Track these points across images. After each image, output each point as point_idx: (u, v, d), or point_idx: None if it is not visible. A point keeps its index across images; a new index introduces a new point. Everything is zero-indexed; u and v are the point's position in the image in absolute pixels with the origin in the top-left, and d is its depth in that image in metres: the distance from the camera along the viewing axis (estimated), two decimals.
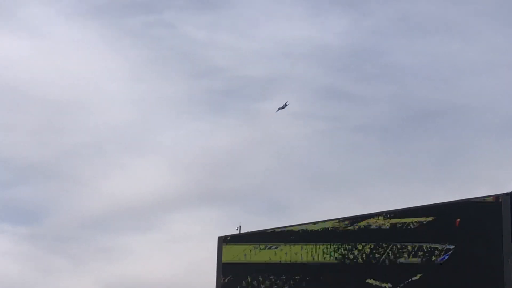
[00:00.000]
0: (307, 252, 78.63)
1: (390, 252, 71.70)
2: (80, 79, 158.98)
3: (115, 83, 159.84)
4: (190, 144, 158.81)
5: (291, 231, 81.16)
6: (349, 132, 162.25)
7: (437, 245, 67.23)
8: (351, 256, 74.40)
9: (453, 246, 65.79)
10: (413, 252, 69.36)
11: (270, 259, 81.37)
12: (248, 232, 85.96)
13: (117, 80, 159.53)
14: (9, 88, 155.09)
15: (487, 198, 63.46)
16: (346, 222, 75.71)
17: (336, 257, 75.22)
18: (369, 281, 71.74)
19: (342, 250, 75.00)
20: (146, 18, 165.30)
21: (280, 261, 79.75)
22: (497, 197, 62.30)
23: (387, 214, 72.46)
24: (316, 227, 79.47)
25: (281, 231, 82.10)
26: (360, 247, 73.77)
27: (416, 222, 69.60)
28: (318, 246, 77.92)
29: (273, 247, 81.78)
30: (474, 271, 63.90)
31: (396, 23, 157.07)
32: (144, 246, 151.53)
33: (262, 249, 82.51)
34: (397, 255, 70.46)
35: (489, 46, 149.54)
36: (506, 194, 61.23)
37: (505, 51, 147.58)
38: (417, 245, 68.92)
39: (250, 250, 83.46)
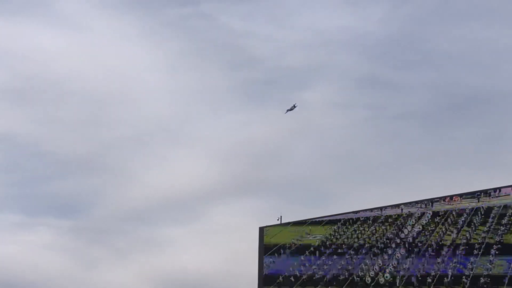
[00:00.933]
0: (348, 237, 78.22)
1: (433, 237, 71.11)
2: (120, 72, 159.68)
3: (154, 76, 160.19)
4: (230, 135, 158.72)
5: (332, 220, 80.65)
6: (390, 120, 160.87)
7: None
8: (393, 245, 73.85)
9: None
10: None
11: (311, 245, 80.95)
12: (289, 222, 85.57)
13: (156, 73, 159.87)
14: (51, 83, 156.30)
15: None
16: (389, 209, 75.26)
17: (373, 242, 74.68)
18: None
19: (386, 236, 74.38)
20: (183, 10, 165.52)
21: (322, 244, 79.23)
22: None
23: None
24: (357, 216, 78.91)
25: (322, 220, 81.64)
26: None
27: None
28: (359, 231, 77.48)
29: (314, 237, 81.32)
30: None
31: (436, 9, 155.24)
32: (185, 237, 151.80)
33: (303, 237, 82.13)
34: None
35: None
36: None
37: None
38: None
39: (292, 239, 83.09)
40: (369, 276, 75.58)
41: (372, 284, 75.13)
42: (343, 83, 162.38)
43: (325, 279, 79.51)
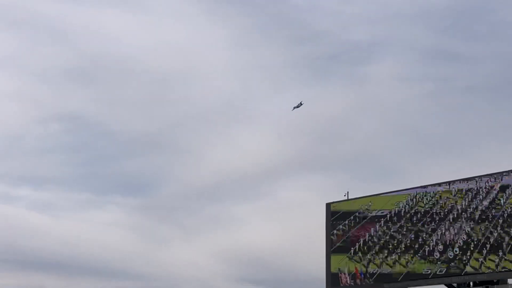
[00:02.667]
0: (416, 211, 77.78)
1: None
2: (184, 50, 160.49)
3: (218, 53, 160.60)
4: (295, 111, 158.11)
5: (400, 194, 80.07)
6: (457, 93, 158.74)
7: None
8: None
9: None
10: None
11: (380, 217, 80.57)
12: (356, 197, 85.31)
13: (220, 50, 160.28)
14: (116, 62, 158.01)
15: None
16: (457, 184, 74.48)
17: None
18: None
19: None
20: None
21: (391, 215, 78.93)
22: None
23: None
24: (425, 190, 78.20)
25: (389, 195, 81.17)
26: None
27: None
28: (428, 205, 76.86)
29: (382, 212, 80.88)
30: None
31: None
32: (252, 214, 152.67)
33: (370, 211, 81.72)
34: None
35: None
36: None
37: None
38: None
39: (358, 213, 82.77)
40: (438, 250, 75.04)
41: (442, 257, 74.66)
42: (408, 57, 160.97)
43: (394, 252, 79.37)
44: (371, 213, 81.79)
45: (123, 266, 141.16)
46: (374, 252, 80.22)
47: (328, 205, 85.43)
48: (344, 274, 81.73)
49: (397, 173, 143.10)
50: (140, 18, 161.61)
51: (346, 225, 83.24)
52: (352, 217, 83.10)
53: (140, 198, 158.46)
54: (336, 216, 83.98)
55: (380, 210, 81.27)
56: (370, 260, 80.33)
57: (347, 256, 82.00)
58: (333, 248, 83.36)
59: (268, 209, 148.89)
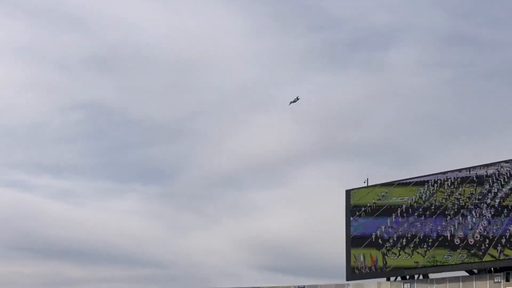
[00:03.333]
0: (436, 198, 77.54)
1: None
2: (202, 38, 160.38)
3: (236, 40, 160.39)
4: (314, 98, 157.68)
5: (420, 181, 79.81)
6: (477, 79, 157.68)
7: None
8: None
9: None
10: None
11: (399, 206, 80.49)
12: (375, 184, 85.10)
13: (237, 37, 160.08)
14: (134, 50, 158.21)
15: None
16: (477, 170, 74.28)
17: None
18: None
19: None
20: None
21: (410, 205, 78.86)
22: None
23: None
24: (445, 177, 77.92)
25: (409, 182, 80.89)
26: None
27: None
28: (448, 192, 76.68)
29: (401, 198, 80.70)
30: None
31: None
32: (272, 201, 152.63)
33: (390, 199, 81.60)
34: None
35: None
36: None
37: None
38: None
39: (378, 199, 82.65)
40: (459, 237, 74.80)
41: (462, 244, 74.38)
42: (427, 42, 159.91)
43: (415, 238, 79.21)
44: (391, 199, 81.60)
45: (144, 254, 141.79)
46: (394, 238, 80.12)
47: (348, 192, 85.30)
48: (364, 260, 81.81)
49: (416, 160, 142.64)
50: (159, 6, 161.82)
51: (366, 212, 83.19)
52: (372, 204, 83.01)
53: (160, 186, 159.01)
54: (356, 203, 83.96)
55: (400, 197, 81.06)
56: (390, 247, 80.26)
57: (368, 243, 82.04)
58: (353, 235, 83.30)
59: (288, 196, 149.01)
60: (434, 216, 77.59)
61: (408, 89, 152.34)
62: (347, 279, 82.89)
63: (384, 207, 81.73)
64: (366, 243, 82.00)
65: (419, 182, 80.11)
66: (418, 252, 77.71)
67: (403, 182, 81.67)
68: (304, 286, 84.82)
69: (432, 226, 77.24)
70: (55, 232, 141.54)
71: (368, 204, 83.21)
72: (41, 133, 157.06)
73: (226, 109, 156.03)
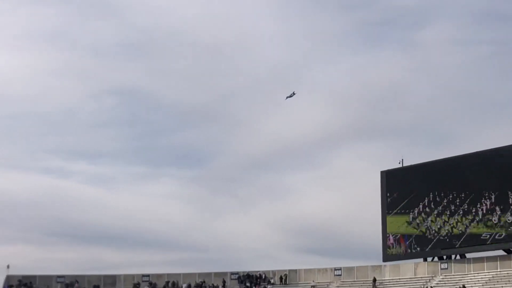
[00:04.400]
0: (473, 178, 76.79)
1: None
2: (235, 20, 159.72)
3: (267, 22, 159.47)
4: (348, 79, 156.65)
5: (457, 159, 79.17)
6: None
7: None
8: None
9: None
10: None
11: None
12: (411, 165, 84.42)
13: (269, 19, 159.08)
14: (166, 35, 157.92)
15: None
16: None
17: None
18: None
19: None
20: None
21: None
22: None
23: None
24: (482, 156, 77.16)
25: (445, 162, 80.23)
26: None
27: None
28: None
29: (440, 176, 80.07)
30: None
31: None
32: (307, 183, 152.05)
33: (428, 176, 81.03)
34: None
35: None
36: None
37: None
38: None
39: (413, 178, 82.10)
40: (497, 214, 74.30)
41: (501, 222, 73.94)
42: (462, 19, 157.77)
43: (453, 216, 78.99)
44: (429, 177, 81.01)
45: (180, 238, 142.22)
46: (432, 216, 79.67)
47: (383, 173, 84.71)
48: (400, 240, 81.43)
49: (452, 139, 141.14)
50: None
51: (402, 191, 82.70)
52: (407, 183, 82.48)
53: (195, 170, 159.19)
54: (393, 182, 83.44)
55: (439, 174, 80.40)
56: (428, 225, 79.82)
57: (405, 222, 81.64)
58: (389, 215, 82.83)
59: (323, 178, 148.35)
60: (472, 193, 77.06)
61: (443, 67, 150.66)
62: (384, 261, 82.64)
63: (422, 184, 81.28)
64: (403, 221, 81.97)
65: (457, 159, 79.42)
66: (458, 229, 77.37)
67: (440, 161, 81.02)
68: (341, 268, 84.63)
69: (470, 203, 76.75)
70: (92, 218, 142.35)
71: (404, 183, 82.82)
72: (75, 119, 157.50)
73: (260, 91, 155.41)
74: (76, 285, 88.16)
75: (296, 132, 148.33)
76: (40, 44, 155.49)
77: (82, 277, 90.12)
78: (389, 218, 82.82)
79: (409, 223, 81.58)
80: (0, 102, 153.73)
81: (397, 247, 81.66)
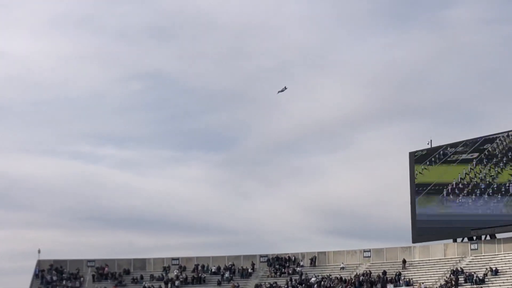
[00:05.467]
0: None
1: None
2: (260, 2, 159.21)
3: (294, 3, 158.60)
4: (375, 60, 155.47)
5: (487, 139, 78.61)
6: None
7: None
8: None
9: None
10: None
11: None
12: (439, 145, 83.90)
13: (297, 0, 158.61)
14: (193, 18, 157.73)
15: None
16: None
17: None
18: None
19: None
20: None
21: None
22: None
23: None
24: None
25: (473, 142, 79.72)
26: None
27: None
28: None
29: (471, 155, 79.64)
30: None
31: None
32: (335, 165, 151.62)
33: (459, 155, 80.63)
34: None
35: None
36: None
37: None
38: None
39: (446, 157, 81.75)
40: None
41: None
42: None
43: (483, 195, 78.70)
44: (460, 156, 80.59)
45: (207, 221, 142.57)
46: (462, 195, 79.34)
47: (411, 154, 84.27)
48: (430, 220, 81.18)
49: (481, 119, 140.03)
50: None
51: (431, 171, 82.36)
52: (438, 162, 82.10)
53: (223, 153, 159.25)
54: (421, 162, 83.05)
55: (470, 153, 79.92)
56: (458, 204, 79.47)
57: (434, 202, 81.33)
58: (418, 196, 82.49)
59: (350, 159, 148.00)
60: (503, 172, 76.82)
61: (472, 47, 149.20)
62: (413, 242, 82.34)
63: (453, 163, 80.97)
64: (432, 202, 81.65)
65: (488, 139, 79.02)
66: (490, 208, 77.04)
67: (468, 141, 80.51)
68: (370, 249, 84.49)
69: (501, 181, 76.44)
70: (121, 202, 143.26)
71: (435, 162, 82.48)
72: (103, 104, 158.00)
73: (286, 73, 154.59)
74: (106, 269, 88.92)
75: (324, 114, 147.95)
76: (68, 29, 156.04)
77: (112, 261, 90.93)
78: (418, 199, 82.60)
79: (438, 203, 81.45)
80: (29, 88, 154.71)
81: (426, 228, 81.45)
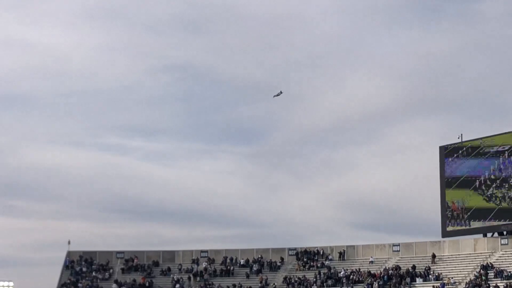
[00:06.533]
0: None
1: None
2: None
3: None
4: (405, 53, 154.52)
5: None
6: None
7: None
8: None
9: None
10: None
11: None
12: (470, 139, 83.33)
13: None
14: (222, 10, 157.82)
15: None
16: None
17: None
18: None
19: None
20: None
21: None
22: None
23: None
24: None
25: (505, 136, 79.17)
26: None
27: None
28: None
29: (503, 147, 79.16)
30: None
31: None
32: (365, 158, 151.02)
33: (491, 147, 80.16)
34: None
35: None
36: None
37: None
38: None
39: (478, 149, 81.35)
40: None
41: None
42: None
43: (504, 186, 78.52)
44: (492, 148, 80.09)
45: (237, 214, 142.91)
46: (493, 188, 78.85)
47: (441, 148, 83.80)
48: (459, 215, 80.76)
49: None
50: None
51: (460, 165, 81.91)
52: (468, 156, 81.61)
53: (252, 146, 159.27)
54: (451, 156, 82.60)
55: (501, 145, 79.41)
56: (489, 198, 79.00)
57: (464, 197, 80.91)
58: (449, 189, 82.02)
59: (381, 153, 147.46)
60: None
61: (504, 39, 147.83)
62: (443, 236, 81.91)
63: (484, 156, 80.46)
64: (464, 195, 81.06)
65: None
66: None
67: (501, 135, 80.00)
68: (399, 244, 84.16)
69: None
70: (151, 194, 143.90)
71: (465, 155, 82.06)
72: (132, 96, 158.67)
73: (317, 66, 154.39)
74: (136, 260, 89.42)
75: (353, 107, 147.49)
76: (99, 21, 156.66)
77: (141, 252, 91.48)
78: (448, 193, 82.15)
79: (469, 198, 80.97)
80: (60, 79, 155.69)
81: (456, 223, 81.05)
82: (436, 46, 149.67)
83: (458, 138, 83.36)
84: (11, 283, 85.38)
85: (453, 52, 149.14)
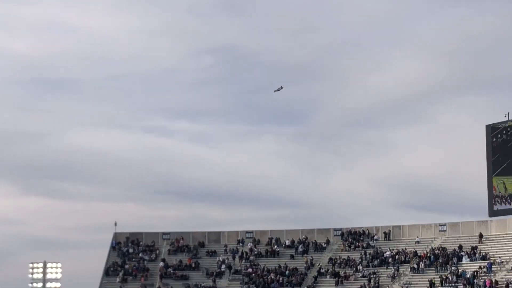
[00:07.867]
0: None
1: None
2: None
3: None
4: (452, 31, 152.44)
5: None
6: None
7: None
8: None
9: None
10: None
11: None
12: None
13: None
14: None
15: None
16: None
17: None
18: None
19: None
20: None
21: None
22: None
23: None
24: None
25: None
26: None
27: None
28: None
29: None
30: None
31: None
32: (410, 138, 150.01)
33: None
34: None
35: None
36: None
37: None
38: None
39: None
40: None
41: None
42: None
43: None
44: None
45: (280, 195, 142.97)
46: None
47: (488, 127, 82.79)
48: (508, 194, 79.97)
49: None
50: None
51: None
52: None
53: (296, 127, 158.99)
54: (498, 135, 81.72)
55: None
56: None
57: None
58: (496, 171, 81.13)
59: (425, 133, 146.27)
60: None
61: None
62: (490, 216, 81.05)
63: None
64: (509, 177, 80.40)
65: None
66: None
67: None
68: (445, 223, 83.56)
69: None
70: (196, 176, 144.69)
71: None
72: (176, 78, 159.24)
73: (360, 45, 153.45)
74: (182, 241, 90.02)
75: (399, 86, 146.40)
76: (141, 4, 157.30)
77: (187, 234, 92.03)
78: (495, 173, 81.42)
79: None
80: (104, 63, 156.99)
81: (503, 201, 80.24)
82: (483, 24, 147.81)
83: (505, 116, 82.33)
84: (59, 265, 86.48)
85: (499, 29, 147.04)
